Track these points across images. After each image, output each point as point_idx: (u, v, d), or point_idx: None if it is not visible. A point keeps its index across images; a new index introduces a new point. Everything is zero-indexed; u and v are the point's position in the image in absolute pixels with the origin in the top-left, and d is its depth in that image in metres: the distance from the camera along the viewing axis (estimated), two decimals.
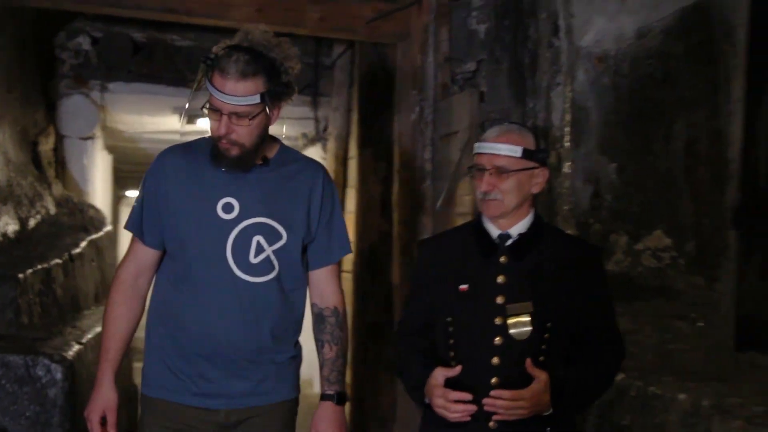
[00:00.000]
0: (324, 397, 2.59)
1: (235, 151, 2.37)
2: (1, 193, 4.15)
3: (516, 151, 2.24)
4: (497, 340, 2.22)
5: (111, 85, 6.14)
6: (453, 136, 4.55)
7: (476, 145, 2.33)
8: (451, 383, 2.20)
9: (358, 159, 5.63)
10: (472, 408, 2.16)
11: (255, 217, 2.43)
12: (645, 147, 3.59)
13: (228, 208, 2.42)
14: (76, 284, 4.18)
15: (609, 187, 3.72)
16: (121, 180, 10.29)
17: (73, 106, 5.97)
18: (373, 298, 5.43)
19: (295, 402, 2.63)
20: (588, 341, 2.30)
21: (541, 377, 2.14)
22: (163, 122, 7.18)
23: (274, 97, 2.37)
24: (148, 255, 2.51)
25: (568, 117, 3.82)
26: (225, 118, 2.34)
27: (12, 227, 4.12)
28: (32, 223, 4.47)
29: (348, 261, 5.48)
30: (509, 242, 2.31)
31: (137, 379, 4.87)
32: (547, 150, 2.30)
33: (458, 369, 2.18)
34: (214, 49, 2.36)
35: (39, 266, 3.75)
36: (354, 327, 5.05)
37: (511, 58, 4.32)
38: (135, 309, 2.51)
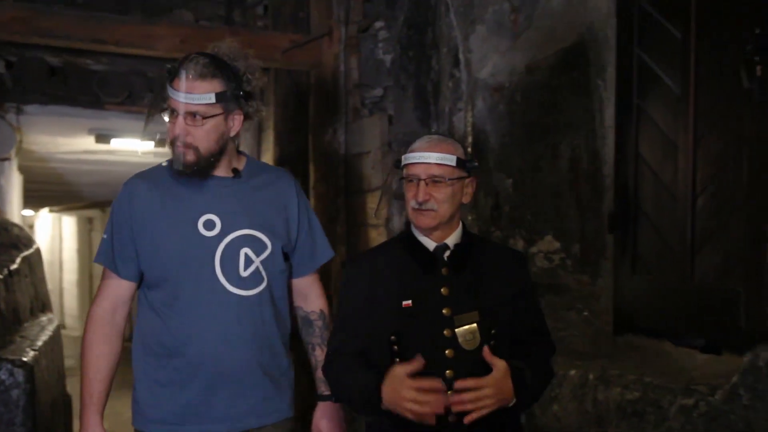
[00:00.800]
0: (322, 397, 2.55)
1: (190, 156, 2.27)
2: None
3: (451, 160, 2.17)
4: (448, 352, 2.14)
5: (27, 108, 6.23)
6: (365, 155, 4.93)
7: (407, 155, 2.23)
8: None
9: None
10: (445, 400, 2.01)
11: (239, 229, 2.33)
12: (536, 164, 3.72)
13: (209, 224, 2.31)
14: (16, 298, 4.37)
15: (507, 199, 3.88)
16: (30, 200, 10.20)
17: None
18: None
19: (294, 420, 2.53)
20: (525, 341, 2.26)
21: (499, 364, 2.06)
22: (77, 143, 7.28)
23: (231, 101, 2.28)
24: (123, 288, 2.38)
25: (469, 139, 4.06)
26: (180, 119, 2.25)
27: None
28: None
29: None
30: (447, 253, 2.23)
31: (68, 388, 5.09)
32: (476, 160, 2.26)
33: (420, 362, 2.03)
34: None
35: None
36: None
37: (416, 85, 4.64)
38: (114, 346, 2.37)
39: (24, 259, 4.74)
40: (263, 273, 2.37)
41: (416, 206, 2.18)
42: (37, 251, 5.26)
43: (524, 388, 2.10)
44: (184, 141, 2.26)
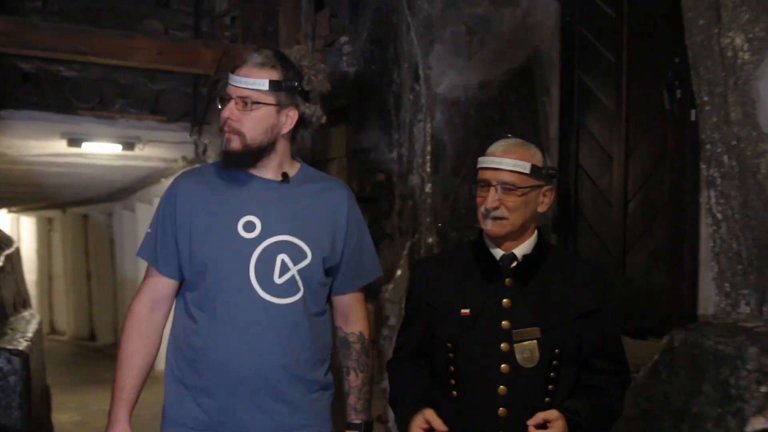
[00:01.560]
0: (350, 426, 2.39)
1: (235, 143, 2.16)
2: None
3: (524, 167, 2.03)
4: (503, 367, 2.03)
5: (1, 113, 6.35)
6: (331, 162, 5.30)
7: (480, 159, 2.12)
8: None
9: None
10: None
11: (278, 234, 2.21)
12: None
13: (249, 226, 2.21)
14: (2, 294, 4.64)
15: (462, 202, 4.14)
16: None
17: None
18: None
19: None
20: (595, 368, 2.11)
21: (554, 421, 1.92)
22: (49, 146, 7.48)
23: (286, 94, 2.17)
24: (164, 286, 2.29)
25: (428, 148, 4.38)
26: (231, 103, 2.17)
27: None
28: None
29: None
30: (514, 264, 2.10)
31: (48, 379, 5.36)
32: (556, 168, 2.12)
33: (444, 429, 1.98)
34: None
35: None
36: None
37: (378, 97, 4.96)
38: (151, 345, 2.28)
39: (7, 257, 5.00)
40: (299, 283, 2.23)
41: (485, 213, 2.06)
42: (17, 250, 5.52)
43: None
44: (231, 126, 2.16)
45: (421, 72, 4.51)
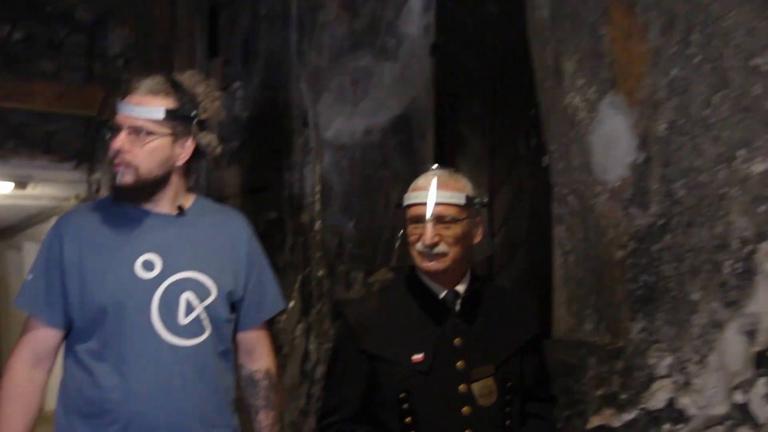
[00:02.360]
0: None
1: (128, 176, 2.02)
2: None
3: (460, 198, 1.98)
4: (465, 409, 1.94)
5: None
6: (225, 200, 5.55)
7: (409, 195, 2.04)
8: None
9: None
10: None
11: (181, 271, 2.08)
12: (372, 209, 4.23)
13: (148, 265, 2.06)
14: None
15: (349, 238, 4.37)
16: None
17: None
18: None
19: None
20: (537, 396, 2.13)
21: None
22: None
23: (182, 124, 2.03)
24: (47, 338, 2.08)
25: (318, 187, 4.69)
26: (123, 133, 2.01)
27: None
28: None
29: None
30: (459, 301, 2.03)
31: None
32: (487, 196, 1.96)
33: None
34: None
35: None
36: None
37: (270, 140, 5.26)
38: (32, 405, 2.06)
39: None
40: (206, 321, 2.11)
41: (425, 250, 1.97)
42: None
43: None
44: (123, 158, 2.01)
45: (310, 119, 4.83)
